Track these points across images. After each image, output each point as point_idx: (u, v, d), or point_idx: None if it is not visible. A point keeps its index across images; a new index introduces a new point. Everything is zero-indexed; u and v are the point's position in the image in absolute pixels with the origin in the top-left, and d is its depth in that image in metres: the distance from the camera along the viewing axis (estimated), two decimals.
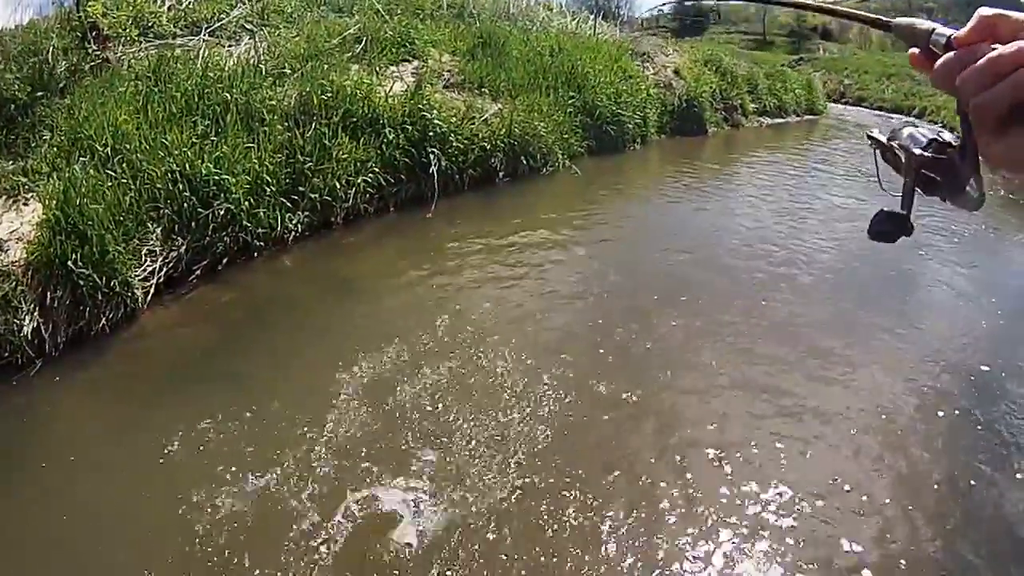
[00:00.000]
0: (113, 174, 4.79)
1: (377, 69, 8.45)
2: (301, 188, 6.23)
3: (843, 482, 3.31)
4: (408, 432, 3.58)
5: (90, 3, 6.62)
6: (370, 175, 7.06)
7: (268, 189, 5.81)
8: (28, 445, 3.37)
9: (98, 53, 6.29)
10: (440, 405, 3.86)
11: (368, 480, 3.19)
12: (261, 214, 5.66)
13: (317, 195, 6.34)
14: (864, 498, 3.22)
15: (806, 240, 7.50)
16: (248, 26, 8.21)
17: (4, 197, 4.38)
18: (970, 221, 8.54)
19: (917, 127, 0.73)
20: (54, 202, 4.24)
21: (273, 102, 6.47)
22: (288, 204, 6.02)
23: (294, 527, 2.86)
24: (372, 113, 7.41)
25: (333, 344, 4.53)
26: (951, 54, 0.60)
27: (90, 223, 4.24)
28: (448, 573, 2.67)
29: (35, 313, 3.83)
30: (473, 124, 8.76)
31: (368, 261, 6.20)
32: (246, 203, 5.51)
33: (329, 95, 7.06)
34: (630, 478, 3.28)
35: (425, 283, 5.68)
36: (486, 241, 6.85)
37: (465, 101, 9.00)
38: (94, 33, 6.44)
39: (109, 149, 4.98)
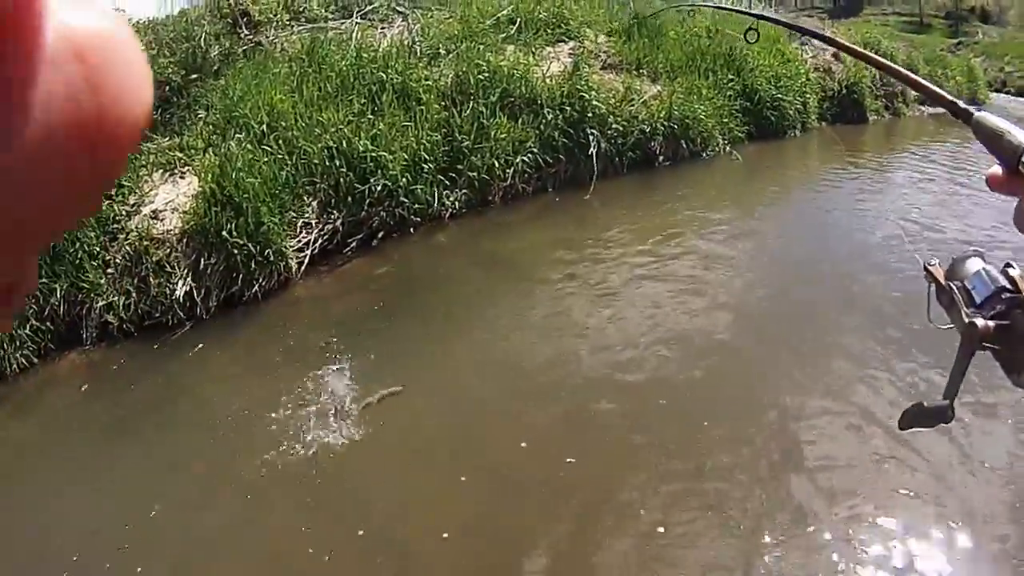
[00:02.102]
0: (269, 150, 4.78)
1: (533, 50, 8.10)
2: (459, 166, 6.03)
3: None
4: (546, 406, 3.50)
5: None
6: (528, 155, 6.75)
7: (425, 166, 5.64)
8: (173, 402, 3.46)
9: (250, 37, 6.32)
10: (587, 389, 3.70)
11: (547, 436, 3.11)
12: (418, 190, 5.50)
13: (475, 173, 6.13)
14: None
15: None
16: (400, 8, 8.11)
17: (161, 171, 4.48)
18: None
19: (986, 262, 0.60)
20: (209, 175, 4.29)
21: (429, 82, 6.30)
22: (446, 181, 5.84)
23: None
24: (530, 93, 7.11)
25: (482, 318, 4.47)
26: None
27: (245, 195, 4.25)
28: None
29: (188, 278, 3.91)
30: (632, 106, 8.25)
31: (524, 240, 5.94)
32: (403, 179, 5.37)
33: (486, 75, 6.80)
34: None
35: (580, 266, 5.41)
36: (643, 227, 6.41)
37: (623, 82, 8.49)
38: (245, 19, 6.47)
39: (264, 126, 4.98)
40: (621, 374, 3.83)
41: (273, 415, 3.29)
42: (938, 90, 0.69)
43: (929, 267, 0.64)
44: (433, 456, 3.15)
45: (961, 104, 0.65)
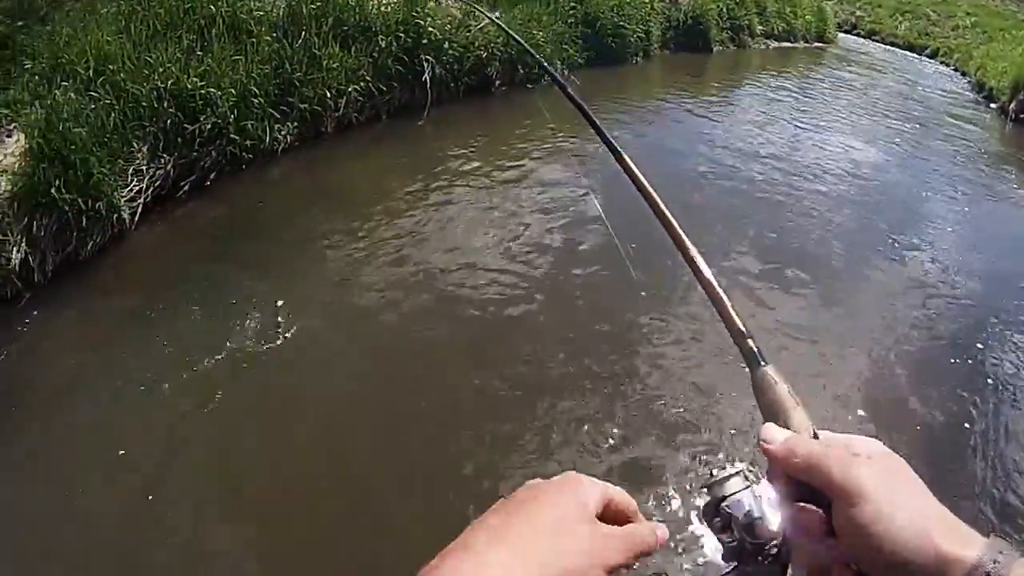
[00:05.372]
0: (96, 95, 4.80)
1: None
2: (290, 99, 6.26)
3: None
4: (391, 339, 3.89)
5: None
6: (361, 84, 7.05)
7: (256, 101, 5.83)
8: (19, 375, 3.45)
9: None
10: (424, 315, 4.14)
11: (340, 391, 3.48)
12: (249, 126, 5.72)
13: (306, 105, 6.38)
14: None
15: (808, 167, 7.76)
16: None
17: None
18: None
19: (749, 483, 0.57)
20: (36, 131, 4.22)
21: (260, 13, 6.39)
22: (276, 115, 6.06)
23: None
24: (364, 21, 7.31)
25: (319, 254, 4.75)
26: None
27: (73, 147, 4.24)
28: None
29: (22, 244, 3.88)
30: (469, 32, 8.62)
31: (358, 171, 6.31)
32: (233, 116, 5.55)
33: (319, 3, 6.95)
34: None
35: (415, 192, 5.84)
36: (477, 150, 6.96)
37: (461, 8, 8.80)
38: None
39: (91, 71, 4.96)
40: (461, 300, 4.34)
41: (118, 383, 3.39)
42: (738, 325, 0.66)
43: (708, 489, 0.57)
44: (281, 410, 3.38)
45: (754, 348, 0.64)
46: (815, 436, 0.57)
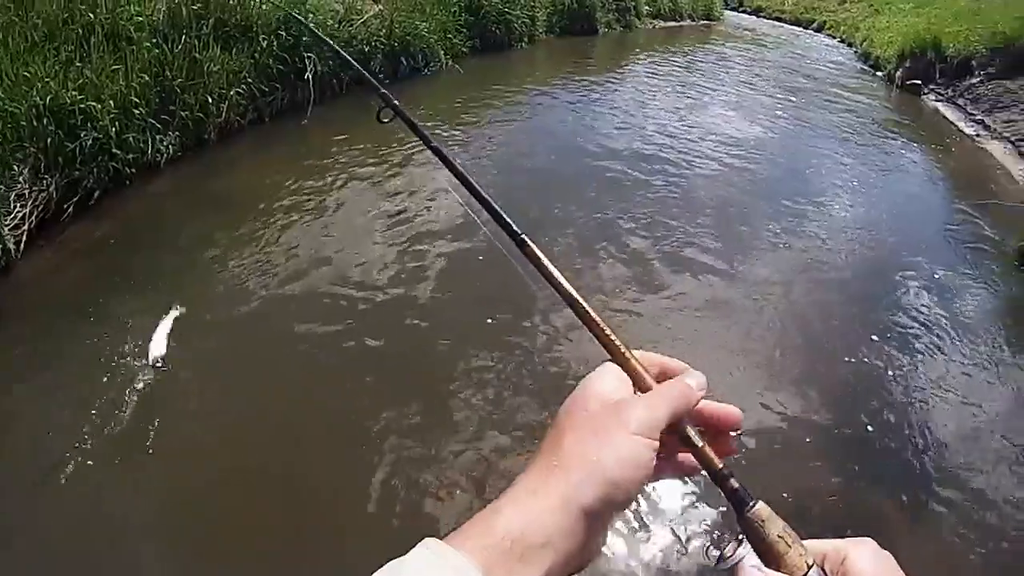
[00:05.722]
0: None
1: None
2: (172, 107, 6.30)
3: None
4: (290, 342, 4.11)
5: None
6: (243, 86, 7.14)
7: (137, 112, 5.84)
8: None
9: None
10: (324, 316, 4.37)
11: (234, 404, 3.66)
12: (131, 139, 5.74)
13: (188, 113, 6.43)
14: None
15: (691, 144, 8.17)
16: None
17: None
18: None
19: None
20: None
21: (141, 18, 6.35)
22: (158, 125, 6.08)
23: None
24: (245, 21, 7.36)
25: (209, 265, 4.86)
26: None
27: None
28: None
29: None
30: (351, 27, 8.78)
31: (243, 177, 6.40)
32: (114, 129, 5.56)
33: (199, 4, 6.96)
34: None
35: (302, 194, 6.01)
36: (363, 145, 7.18)
37: (343, 3, 8.94)
38: None
39: None
40: (357, 296, 4.56)
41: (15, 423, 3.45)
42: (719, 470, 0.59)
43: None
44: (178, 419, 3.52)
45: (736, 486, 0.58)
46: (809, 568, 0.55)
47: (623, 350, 0.62)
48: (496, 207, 0.78)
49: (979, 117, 10.84)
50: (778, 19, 26.35)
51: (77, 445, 3.33)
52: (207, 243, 5.15)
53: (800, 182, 7.70)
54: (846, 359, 4.47)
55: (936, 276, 5.68)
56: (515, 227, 0.75)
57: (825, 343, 4.64)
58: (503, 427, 3.62)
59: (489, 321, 4.46)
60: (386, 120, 1.11)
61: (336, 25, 8.56)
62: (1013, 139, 9.61)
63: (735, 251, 5.72)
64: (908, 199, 7.78)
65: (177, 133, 6.33)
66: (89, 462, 3.27)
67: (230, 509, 3.09)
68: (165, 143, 6.15)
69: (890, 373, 4.37)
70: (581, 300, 0.66)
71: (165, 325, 4.08)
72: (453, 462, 3.38)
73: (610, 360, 0.62)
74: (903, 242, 6.35)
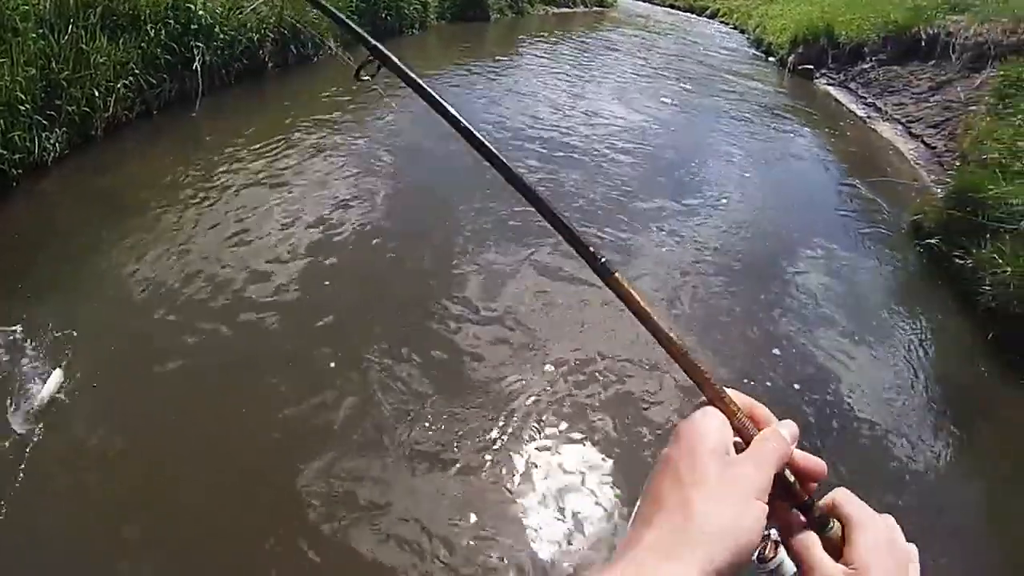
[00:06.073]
0: None
1: None
2: (58, 102, 6.12)
3: None
4: (190, 341, 4.17)
5: None
6: (130, 78, 7.01)
7: (23, 108, 5.67)
8: None
9: None
10: (227, 308, 4.46)
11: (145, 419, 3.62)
12: (16, 138, 5.59)
13: (74, 107, 6.28)
14: None
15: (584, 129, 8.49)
16: None
17: None
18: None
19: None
20: None
21: (27, 7, 6.06)
22: (44, 122, 5.93)
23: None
24: (133, 9, 7.19)
25: (103, 266, 4.82)
26: None
27: None
28: None
29: None
30: (241, 14, 8.70)
31: (133, 172, 6.33)
32: None
33: None
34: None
35: (193, 186, 6.03)
36: (254, 135, 7.24)
37: None
38: None
39: None
40: (257, 296, 4.61)
41: None
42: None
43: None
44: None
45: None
46: None
47: (723, 395, 0.63)
48: (572, 229, 0.74)
49: (870, 100, 11.64)
50: (672, 6, 27.03)
51: None
52: (98, 245, 5.07)
53: (693, 169, 8.00)
54: (746, 341, 4.81)
55: (835, 253, 6.26)
56: (599, 256, 0.71)
57: (726, 329, 4.93)
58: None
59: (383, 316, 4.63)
60: (367, 77, 1.06)
61: (225, 13, 8.43)
62: (903, 120, 10.22)
63: (626, 241, 6.03)
64: (803, 181, 8.42)
65: (64, 129, 6.16)
66: None
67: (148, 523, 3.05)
68: (52, 140, 5.99)
69: (788, 347, 4.76)
70: (677, 339, 0.66)
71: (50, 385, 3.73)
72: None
73: (710, 405, 0.63)
74: (800, 223, 6.87)
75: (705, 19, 24.01)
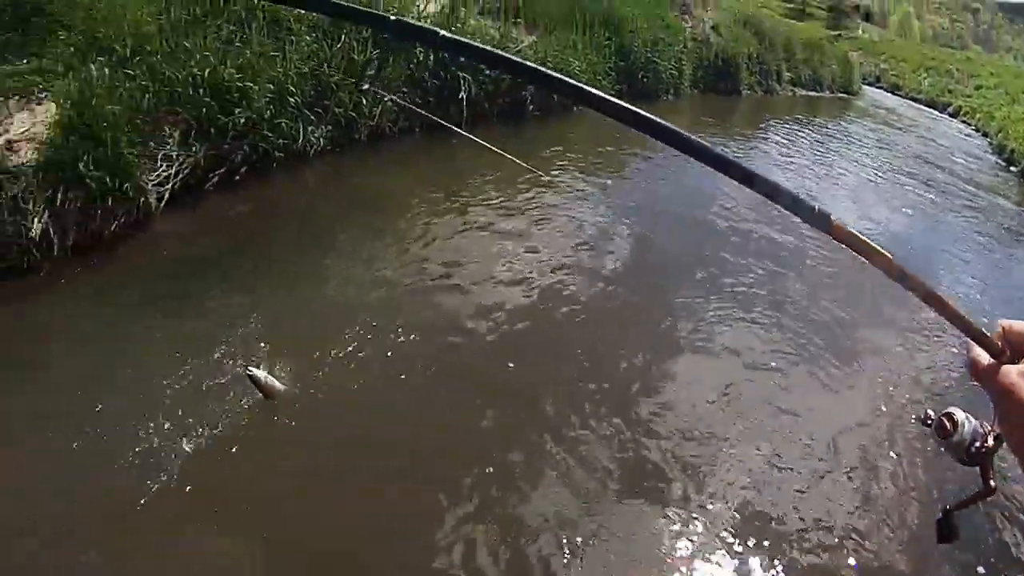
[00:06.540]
0: (131, 74, 4.59)
1: None
2: (326, 101, 6.06)
3: None
4: (407, 355, 3.62)
5: None
6: (397, 95, 6.83)
7: (291, 99, 5.62)
8: (31, 344, 3.29)
9: None
10: (448, 327, 3.93)
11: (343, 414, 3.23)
12: (283, 124, 5.50)
13: (342, 109, 6.19)
14: None
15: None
16: None
17: (17, 97, 4.16)
18: None
19: (973, 424, 0.73)
20: (68, 102, 4.06)
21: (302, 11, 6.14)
22: (311, 117, 5.84)
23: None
24: None
25: (343, 261, 4.54)
26: None
27: (104, 124, 4.06)
28: None
29: (44, 216, 3.71)
30: (508, 53, 8.46)
31: (388, 181, 6.10)
32: (268, 112, 5.34)
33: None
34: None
35: (443, 206, 5.66)
36: (504, 175, 6.72)
37: (500, 30, 8.69)
38: None
39: (128, 50, 4.76)
40: (491, 317, 4.12)
41: (117, 371, 3.18)
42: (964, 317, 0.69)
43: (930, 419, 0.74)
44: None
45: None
46: None
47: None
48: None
49: None
50: (914, 99, 25.30)
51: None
52: (339, 238, 4.81)
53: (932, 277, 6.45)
54: None
55: None
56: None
57: None
58: None
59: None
60: None
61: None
62: None
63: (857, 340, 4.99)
64: None
65: (329, 128, 6.04)
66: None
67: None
68: (317, 135, 5.87)
69: None
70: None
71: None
72: None
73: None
74: None
75: (946, 116, 21.86)
